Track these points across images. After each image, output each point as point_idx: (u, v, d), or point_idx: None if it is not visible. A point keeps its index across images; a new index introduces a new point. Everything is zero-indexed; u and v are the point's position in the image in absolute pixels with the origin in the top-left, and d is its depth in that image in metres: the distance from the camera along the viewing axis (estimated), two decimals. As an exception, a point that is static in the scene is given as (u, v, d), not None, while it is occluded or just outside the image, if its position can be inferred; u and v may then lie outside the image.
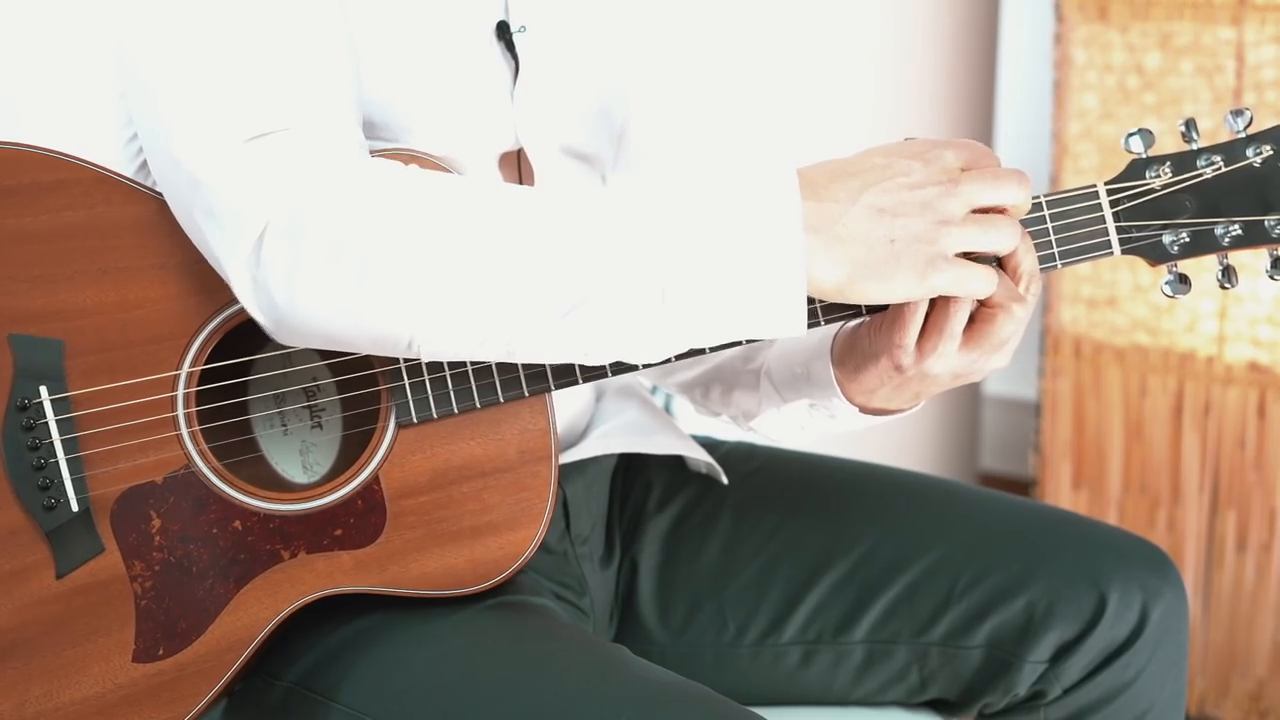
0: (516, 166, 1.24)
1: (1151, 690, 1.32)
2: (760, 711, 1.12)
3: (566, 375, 1.16)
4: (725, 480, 1.41)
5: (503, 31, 1.22)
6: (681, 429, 1.45)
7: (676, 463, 1.44)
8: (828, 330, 1.25)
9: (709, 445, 1.45)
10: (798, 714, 1.37)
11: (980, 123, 2.88)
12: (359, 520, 1.15)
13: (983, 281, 1.10)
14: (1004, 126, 2.87)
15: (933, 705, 1.40)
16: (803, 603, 1.36)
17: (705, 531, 1.40)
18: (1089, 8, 2.33)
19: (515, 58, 1.22)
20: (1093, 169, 2.35)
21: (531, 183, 1.23)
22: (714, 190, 1.06)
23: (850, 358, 1.22)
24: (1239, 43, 2.24)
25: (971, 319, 1.15)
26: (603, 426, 1.37)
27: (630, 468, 1.44)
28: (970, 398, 3.02)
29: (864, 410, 1.25)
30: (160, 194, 1.13)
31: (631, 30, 1.32)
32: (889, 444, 2.63)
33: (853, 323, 1.23)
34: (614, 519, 1.42)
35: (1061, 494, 2.50)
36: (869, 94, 2.66)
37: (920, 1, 2.73)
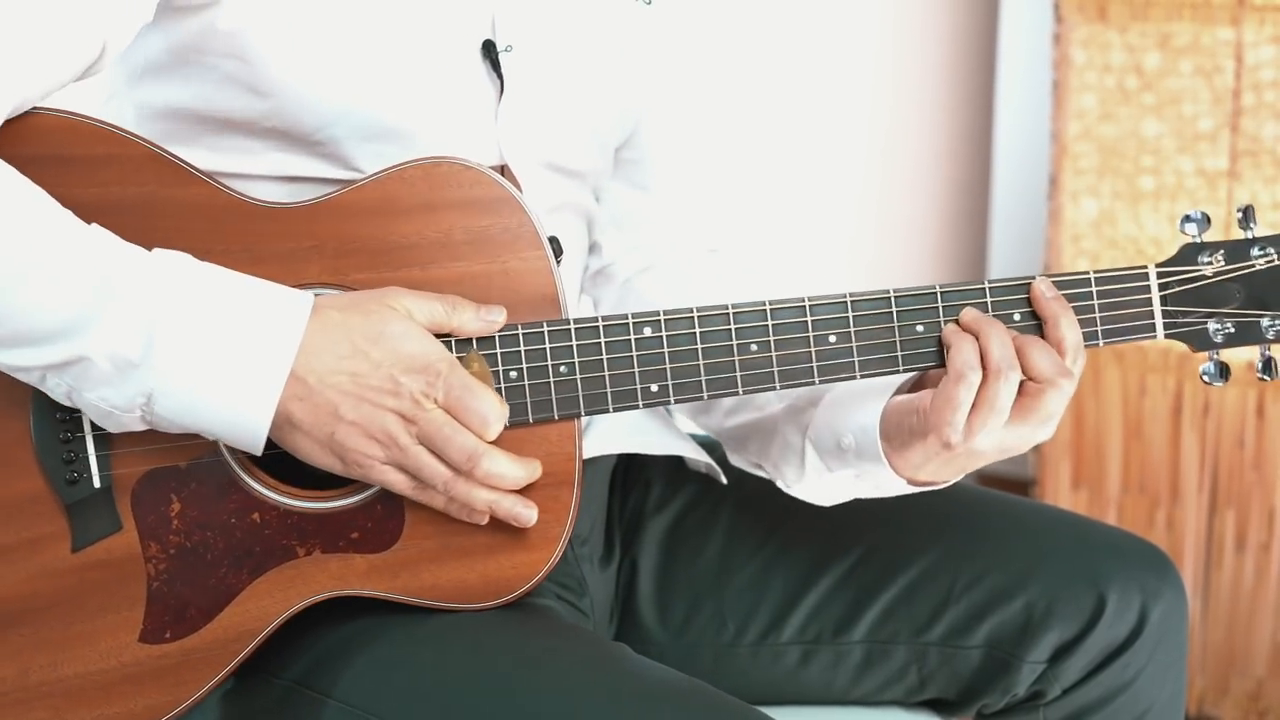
0: None
1: (1151, 690, 1.32)
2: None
3: (598, 404, 1.17)
4: (724, 480, 1.41)
5: (488, 51, 1.22)
6: (680, 429, 1.45)
7: (675, 463, 1.44)
8: (875, 402, 1.24)
9: (708, 445, 1.45)
10: (797, 713, 1.37)
11: (980, 123, 2.89)
12: (376, 525, 1.16)
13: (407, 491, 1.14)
14: (1003, 126, 2.87)
15: (932, 705, 1.40)
16: (801, 602, 1.36)
17: (704, 531, 1.40)
18: (1088, 8, 2.33)
19: (501, 77, 1.23)
20: (1092, 169, 2.35)
21: None
22: (233, 291, 1.09)
23: (897, 434, 1.22)
24: (1238, 43, 2.24)
25: (1018, 394, 1.16)
26: (601, 426, 1.37)
27: (629, 468, 1.44)
28: (969, 397, 3.01)
29: (911, 482, 1.25)
30: (213, 179, 1.14)
31: (620, 49, 1.32)
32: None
33: (900, 398, 1.23)
34: (613, 519, 1.42)
35: (1061, 494, 2.50)
36: (869, 94, 2.66)
37: (920, 1, 2.74)
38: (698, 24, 1.43)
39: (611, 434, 1.36)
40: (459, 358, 1.13)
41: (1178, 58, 2.28)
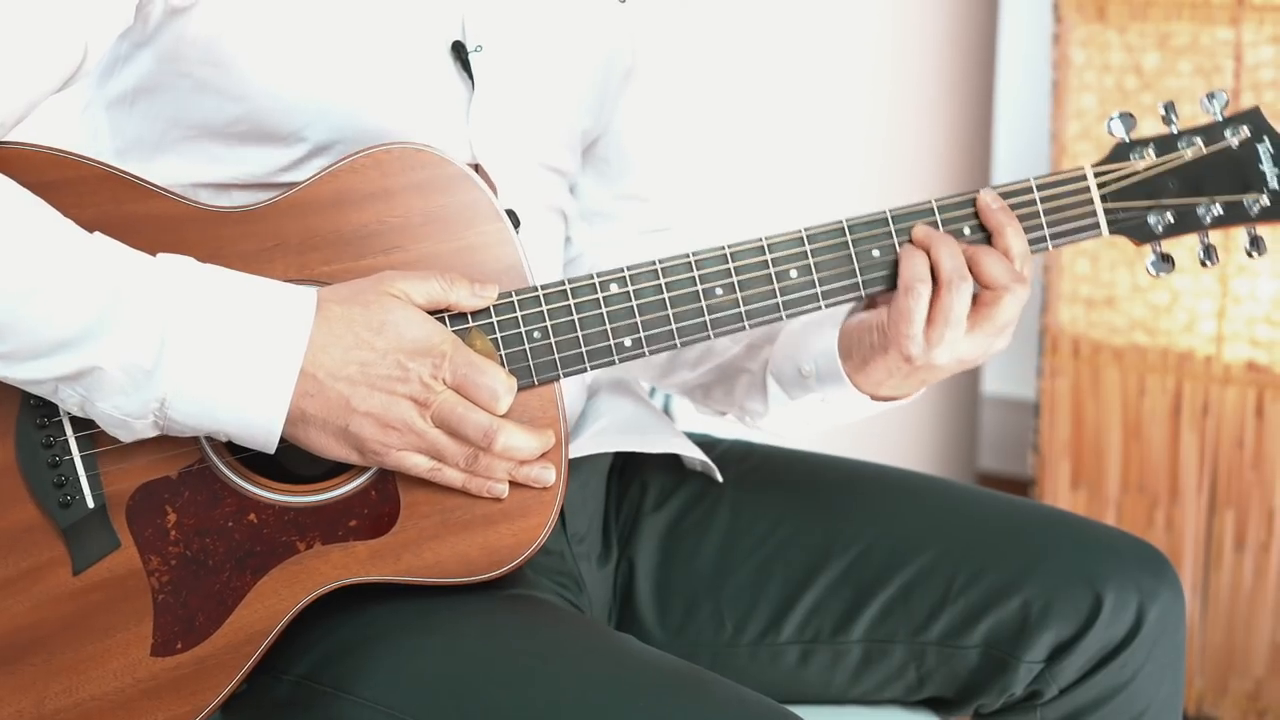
0: None
1: (1148, 691, 1.32)
2: (758, 710, 1.12)
3: (575, 364, 1.18)
4: (720, 478, 1.41)
5: (458, 51, 1.23)
6: (677, 427, 1.45)
7: (673, 461, 1.44)
8: (831, 327, 1.28)
9: (706, 443, 1.45)
10: (796, 712, 1.37)
11: (979, 123, 2.89)
12: (373, 511, 1.16)
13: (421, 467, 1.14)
14: (1003, 126, 2.87)
15: (930, 704, 1.40)
16: (800, 602, 1.36)
17: (702, 531, 1.40)
18: (1087, 8, 2.33)
19: (471, 77, 1.23)
20: (1091, 169, 2.35)
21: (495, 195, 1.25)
22: (239, 291, 1.09)
23: (857, 351, 1.26)
24: (1237, 43, 2.24)
25: (974, 303, 1.20)
26: (597, 424, 1.37)
27: (627, 467, 1.44)
28: (969, 398, 3.02)
29: (874, 399, 1.29)
30: (168, 192, 1.14)
31: (592, 48, 1.33)
32: (887, 443, 2.63)
33: (857, 317, 1.27)
34: (610, 518, 1.42)
35: (1060, 494, 2.50)
36: (868, 94, 2.66)
37: (920, 2, 2.74)
38: (676, 23, 1.44)
39: (608, 432, 1.36)
40: (463, 338, 1.15)
41: (1177, 58, 2.28)
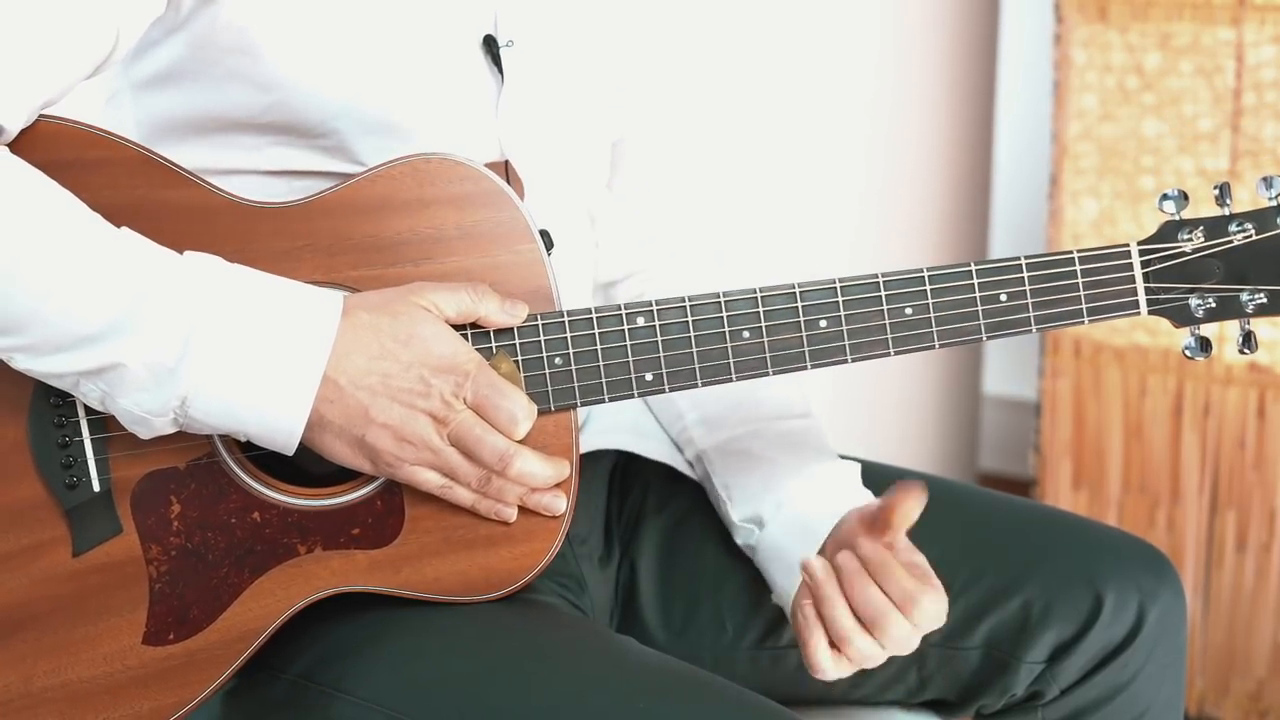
0: (505, 177, 1.25)
1: (1149, 691, 1.32)
2: (758, 711, 1.12)
3: (594, 395, 1.17)
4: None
5: (489, 46, 1.23)
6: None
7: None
8: (783, 578, 1.30)
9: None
10: (798, 715, 1.37)
11: (980, 123, 2.89)
12: (377, 521, 1.16)
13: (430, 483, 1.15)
14: (1004, 127, 2.87)
15: (931, 705, 1.40)
16: (800, 604, 1.36)
17: (703, 533, 1.40)
18: (1089, 8, 2.33)
19: (501, 72, 1.23)
20: (1092, 169, 2.35)
21: (522, 193, 1.24)
22: (268, 291, 1.10)
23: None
24: (1238, 43, 2.24)
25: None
26: (601, 422, 1.37)
27: (628, 468, 1.44)
28: (970, 397, 3.02)
29: None
30: (204, 181, 1.14)
31: (620, 45, 1.33)
32: (889, 444, 2.63)
33: (795, 610, 1.26)
34: (612, 519, 1.42)
35: (1061, 494, 2.50)
36: (869, 94, 2.66)
37: (920, 1, 2.73)
38: (694, 22, 1.43)
39: (611, 430, 1.36)
40: (488, 359, 1.14)
41: (1178, 58, 2.28)
